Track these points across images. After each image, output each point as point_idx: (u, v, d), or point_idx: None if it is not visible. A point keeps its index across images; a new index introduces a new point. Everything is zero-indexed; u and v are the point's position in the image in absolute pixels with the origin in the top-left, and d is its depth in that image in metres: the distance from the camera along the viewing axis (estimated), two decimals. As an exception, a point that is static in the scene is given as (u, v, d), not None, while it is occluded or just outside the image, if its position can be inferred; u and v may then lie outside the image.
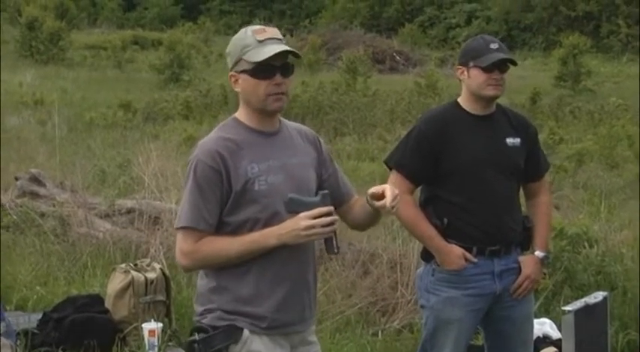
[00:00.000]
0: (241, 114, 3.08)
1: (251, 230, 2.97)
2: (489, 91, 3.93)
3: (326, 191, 2.97)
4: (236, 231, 2.98)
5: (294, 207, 2.92)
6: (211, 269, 3.03)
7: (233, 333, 2.99)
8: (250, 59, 2.97)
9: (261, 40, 2.98)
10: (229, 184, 2.96)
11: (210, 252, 2.97)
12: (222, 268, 3.00)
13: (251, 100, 3.03)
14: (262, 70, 2.97)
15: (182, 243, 3.01)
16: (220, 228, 2.99)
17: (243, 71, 3.00)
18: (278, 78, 2.99)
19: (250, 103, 3.03)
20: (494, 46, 3.93)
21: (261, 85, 2.99)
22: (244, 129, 3.04)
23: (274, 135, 3.08)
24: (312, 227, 2.89)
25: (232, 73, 3.04)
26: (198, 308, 3.08)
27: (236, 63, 3.02)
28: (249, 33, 3.01)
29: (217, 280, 3.02)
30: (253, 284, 3.00)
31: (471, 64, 3.94)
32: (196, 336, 3.01)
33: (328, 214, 2.91)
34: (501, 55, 3.92)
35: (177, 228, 3.03)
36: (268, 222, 2.96)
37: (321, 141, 3.24)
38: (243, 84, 3.02)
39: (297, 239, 2.92)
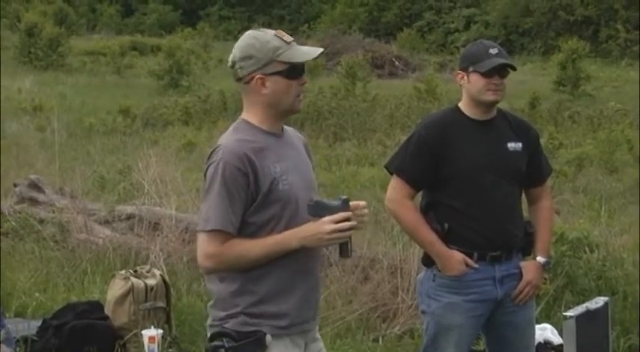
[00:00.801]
0: (253, 116, 3.07)
1: (273, 229, 3.00)
2: (489, 96, 3.92)
3: (345, 196, 3.01)
4: (258, 231, 3.00)
5: (319, 211, 2.97)
6: (231, 272, 3.03)
7: (261, 341, 3.00)
8: (288, 60, 3.00)
9: (289, 42, 3.02)
10: (257, 185, 2.98)
11: (235, 255, 2.98)
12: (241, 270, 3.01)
13: (282, 101, 3.03)
14: (294, 70, 3.01)
15: (207, 246, 2.99)
16: (242, 228, 3.00)
17: (276, 73, 3.00)
18: (305, 77, 3.05)
19: (280, 104, 3.04)
20: (493, 51, 3.93)
21: (293, 85, 3.03)
22: (259, 132, 3.06)
23: (282, 137, 3.12)
24: (335, 231, 2.93)
25: (260, 75, 3.01)
26: (220, 314, 3.06)
27: (264, 65, 3.00)
28: (270, 36, 3.02)
29: (238, 283, 3.03)
30: (275, 283, 3.02)
31: (471, 69, 3.93)
32: (224, 342, 3.00)
33: (348, 219, 2.95)
34: (501, 60, 3.91)
35: (206, 231, 3.00)
36: (290, 220, 3.00)
37: (309, 147, 3.29)
38: (274, 85, 3.02)
39: (319, 242, 2.96)
